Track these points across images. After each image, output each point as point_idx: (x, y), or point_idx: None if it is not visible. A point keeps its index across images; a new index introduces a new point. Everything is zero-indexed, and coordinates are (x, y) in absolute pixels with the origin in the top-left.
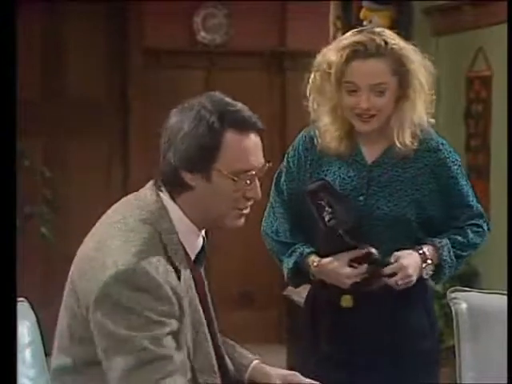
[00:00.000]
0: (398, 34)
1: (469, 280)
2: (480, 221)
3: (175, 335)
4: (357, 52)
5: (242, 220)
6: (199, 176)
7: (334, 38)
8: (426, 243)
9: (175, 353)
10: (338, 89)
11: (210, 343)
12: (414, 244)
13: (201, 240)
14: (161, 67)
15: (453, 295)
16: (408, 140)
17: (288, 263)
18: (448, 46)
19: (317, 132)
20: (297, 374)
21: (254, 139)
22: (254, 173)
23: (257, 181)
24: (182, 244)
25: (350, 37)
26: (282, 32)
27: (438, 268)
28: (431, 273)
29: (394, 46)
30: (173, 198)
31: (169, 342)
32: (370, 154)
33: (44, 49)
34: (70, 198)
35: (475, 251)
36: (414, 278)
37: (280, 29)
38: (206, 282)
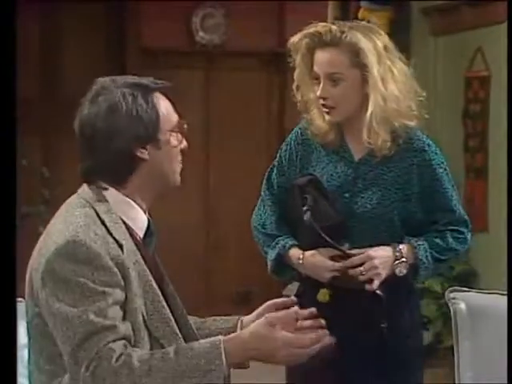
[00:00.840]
0: (396, 33)
1: (467, 280)
2: (462, 227)
3: (122, 304)
4: (313, 41)
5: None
6: (150, 146)
7: None
8: (403, 242)
9: (121, 323)
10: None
11: (168, 310)
12: (392, 241)
13: (145, 217)
14: (159, 67)
15: (451, 295)
16: (380, 139)
17: (271, 255)
18: (446, 46)
19: (305, 124)
20: (268, 303)
21: (163, 97)
22: (180, 124)
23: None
24: (124, 222)
25: (311, 27)
26: (281, 32)
27: (414, 268)
28: (405, 271)
29: (350, 38)
30: (118, 188)
31: (114, 312)
32: (357, 151)
33: (42, 48)
34: (68, 198)
35: (455, 257)
36: (381, 272)
37: (278, 29)
38: (158, 260)
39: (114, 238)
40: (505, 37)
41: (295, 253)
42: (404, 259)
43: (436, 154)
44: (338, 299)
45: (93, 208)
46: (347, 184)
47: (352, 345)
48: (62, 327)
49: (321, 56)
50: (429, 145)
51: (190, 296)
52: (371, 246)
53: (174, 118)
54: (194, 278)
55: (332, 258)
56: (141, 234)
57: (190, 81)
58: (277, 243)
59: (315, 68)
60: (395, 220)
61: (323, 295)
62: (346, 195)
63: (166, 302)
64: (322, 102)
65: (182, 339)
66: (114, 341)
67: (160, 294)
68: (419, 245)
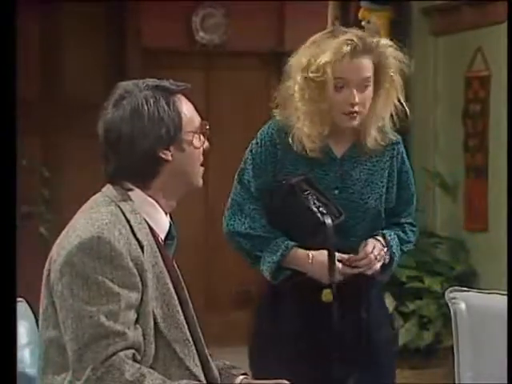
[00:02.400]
0: (396, 33)
1: (467, 280)
2: (413, 219)
3: (136, 308)
4: (349, 50)
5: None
6: (173, 148)
7: None
8: (377, 235)
9: (131, 329)
10: (324, 88)
11: (182, 316)
12: (374, 233)
13: (167, 219)
14: (159, 67)
15: (451, 295)
16: (377, 136)
17: (272, 258)
18: (447, 46)
19: (276, 125)
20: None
21: (185, 99)
22: (201, 125)
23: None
24: (147, 223)
25: (338, 36)
26: (281, 32)
27: (389, 261)
28: (387, 261)
29: (377, 44)
30: (143, 190)
31: (126, 316)
32: (338, 149)
33: (42, 49)
34: (69, 198)
35: (411, 249)
36: (377, 264)
37: (278, 29)
38: (175, 265)
39: (137, 239)
40: (505, 37)
41: (301, 253)
42: (386, 249)
43: (403, 146)
44: (336, 298)
45: (118, 207)
46: (335, 181)
47: (346, 340)
48: (72, 324)
49: (354, 63)
50: (399, 138)
51: (190, 296)
52: (356, 238)
53: (197, 119)
54: (193, 278)
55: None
56: (162, 235)
57: (189, 81)
58: (276, 245)
59: (345, 75)
60: (381, 213)
61: (328, 295)
62: (335, 192)
63: (181, 306)
64: (351, 109)
65: (193, 346)
66: (122, 349)
67: (176, 297)
68: (391, 238)
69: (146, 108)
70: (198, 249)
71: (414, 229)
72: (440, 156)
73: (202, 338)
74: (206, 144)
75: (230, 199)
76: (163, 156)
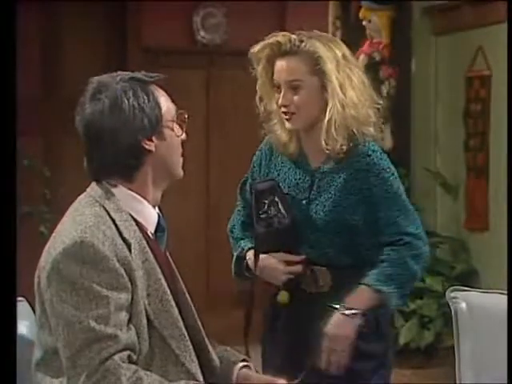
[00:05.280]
0: (397, 33)
1: (468, 279)
2: (415, 240)
3: (127, 308)
4: (273, 51)
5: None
6: (155, 138)
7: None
8: (357, 289)
9: (123, 331)
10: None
11: (177, 311)
12: (356, 248)
13: (154, 212)
14: (160, 67)
15: (452, 294)
16: (338, 145)
17: (233, 258)
18: (447, 45)
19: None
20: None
21: (161, 90)
22: (179, 115)
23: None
24: (135, 219)
25: (271, 36)
26: (282, 31)
27: (380, 303)
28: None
29: (309, 46)
30: (125, 184)
31: (116, 318)
32: (315, 158)
33: (43, 48)
34: (69, 197)
35: (418, 279)
36: (344, 354)
37: (279, 28)
38: (168, 257)
39: (123, 238)
40: (506, 36)
41: (251, 255)
42: (357, 310)
43: (381, 159)
44: (295, 301)
45: (103, 207)
46: (304, 191)
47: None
48: (64, 331)
49: (280, 64)
50: (373, 150)
51: (190, 296)
52: (332, 251)
53: (173, 108)
54: (193, 278)
55: (287, 263)
56: (151, 229)
57: (191, 80)
58: (239, 246)
59: (275, 77)
60: (354, 225)
61: (283, 297)
62: (303, 202)
63: (176, 300)
64: (283, 109)
65: (189, 341)
66: (116, 352)
67: (169, 292)
68: (369, 284)
69: (125, 100)
70: (199, 248)
71: (416, 252)
72: (441, 156)
73: (201, 329)
74: (184, 135)
75: None
76: (147, 146)
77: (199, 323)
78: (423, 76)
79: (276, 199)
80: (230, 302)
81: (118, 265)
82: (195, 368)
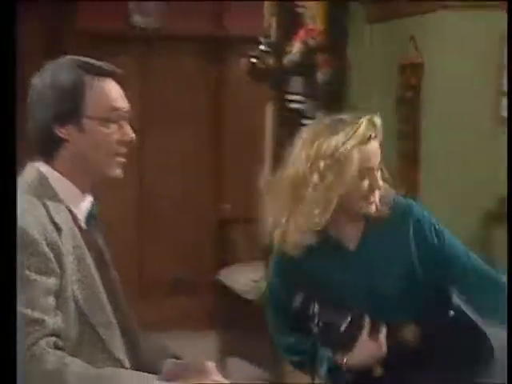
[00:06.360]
0: (333, 21)
1: None
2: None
3: (55, 293)
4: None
5: (120, 169)
6: (71, 127)
7: (269, 23)
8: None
9: (50, 315)
10: (343, 177)
11: (106, 298)
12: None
13: (86, 200)
14: (94, 49)
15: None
16: (379, 210)
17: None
18: (382, 33)
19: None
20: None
21: (112, 84)
22: (120, 114)
23: (126, 124)
24: (66, 207)
25: (356, 127)
26: (220, 16)
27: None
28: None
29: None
30: (49, 164)
31: (43, 303)
32: (348, 239)
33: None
34: None
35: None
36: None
37: (218, 13)
38: (101, 242)
39: (54, 223)
40: (438, 25)
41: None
42: None
43: (421, 211)
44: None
45: (34, 191)
46: (345, 273)
47: None
48: None
49: (375, 146)
50: (411, 205)
51: (122, 284)
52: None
53: (112, 105)
54: (126, 266)
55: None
56: (81, 217)
57: (126, 64)
58: (322, 357)
59: (368, 162)
60: (417, 287)
61: (378, 369)
62: (352, 283)
63: (107, 288)
64: (373, 197)
65: (117, 328)
66: (42, 337)
67: (99, 279)
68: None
69: (60, 79)
70: (131, 235)
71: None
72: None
73: (132, 317)
74: (128, 136)
75: None
76: (58, 133)
77: (130, 311)
78: (358, 63)
79: (315, 306)
80: (164, 290)
81: (47, 249)
82: (122, 355)
